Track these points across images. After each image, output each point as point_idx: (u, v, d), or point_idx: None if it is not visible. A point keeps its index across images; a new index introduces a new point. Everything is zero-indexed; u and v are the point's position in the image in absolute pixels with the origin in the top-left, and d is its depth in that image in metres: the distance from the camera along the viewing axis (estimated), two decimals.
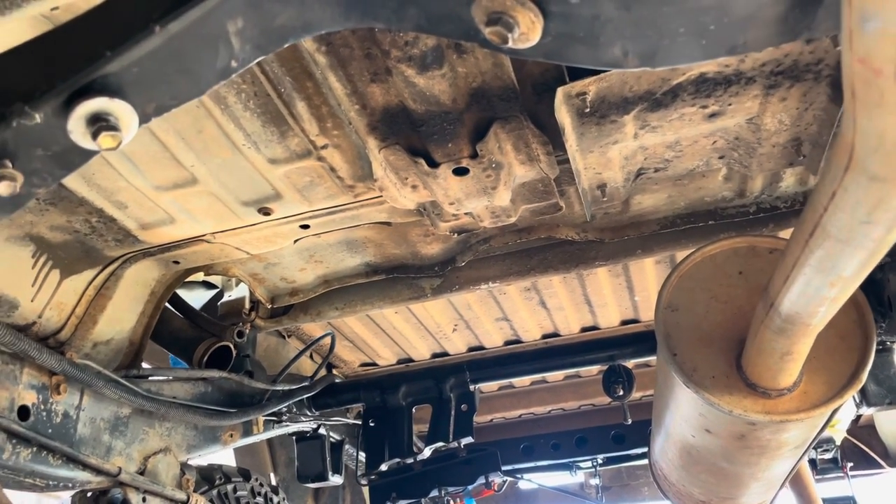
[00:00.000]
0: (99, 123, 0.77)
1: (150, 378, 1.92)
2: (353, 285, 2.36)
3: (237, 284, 2.52)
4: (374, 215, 1.89)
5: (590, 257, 2.21)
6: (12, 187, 0.79)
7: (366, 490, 3.26)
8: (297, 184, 1.67)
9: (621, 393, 2.38)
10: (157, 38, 0.78)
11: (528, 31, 0.70)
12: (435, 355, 3.17)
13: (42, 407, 1.52)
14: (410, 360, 3.21)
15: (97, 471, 1.61)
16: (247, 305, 2.43)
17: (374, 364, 3.24)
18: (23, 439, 1.46)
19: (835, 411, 1.46)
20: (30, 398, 1.50)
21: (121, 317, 1.96)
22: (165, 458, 1.84)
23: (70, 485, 1.60)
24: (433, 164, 1.52)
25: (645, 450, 3.12)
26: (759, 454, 1.54)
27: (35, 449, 1.48)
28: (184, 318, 2.25)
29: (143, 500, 1.74)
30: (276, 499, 2.79)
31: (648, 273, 2.62)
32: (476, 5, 0.70)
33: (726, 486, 1.77)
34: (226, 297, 2.54)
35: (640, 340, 2.58)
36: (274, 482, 3.49)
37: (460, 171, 1.54)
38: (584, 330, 3.03)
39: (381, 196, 1.72)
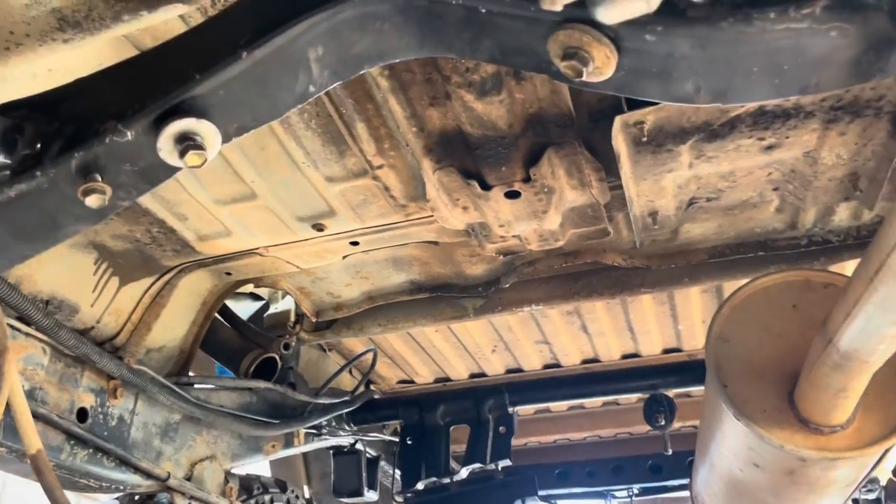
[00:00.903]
0: (186, 142, 0.81)
1: (197, 386, 1.96)
2: (397, 302, 2.39)
3: (283, 297, 2.57)
4: (422, 234, 1.92)
5: (635, 284, 2.20)
6: (101, 200, 0.83)
7: None
8: (351, 201, 1.71)
9: (663, 422, 2.35)
10: (243, 63, 0.82)
11: (603, 66, 0.72)
12: (473, 375, 3.17)
13: (99, 410, 1.58)
14: (448, 380, 3.22)
15: (148, 475, 1.66)
16: (292, 318, 2.47)
17: (411, 381, 3.26)
18: (80, 440, 1.51)
19: (887, 450, 1.43)
20: (88, 401, 1.55)
21: (173, 325, 2.01)
22: (211, 466, 1.88)
23: (121, 487, 1.65)
24: (486, 187, 1.54)
25: (683, 481, 3.07)
26: (808, 491, 1.51)
27: (91, 450, 1.53)
28: (232, 329, 2.30)
29: None
30: None
31: (694, 302, 2.59)
32: (552, 40, 0.72)
33: None
34: (272, 310, 2.60)
35: (683, 370, 2.55)
36: (308, 495, 3.52)
37: (512, 195, 1.56)
38: (625, 357, 3.00)
39: (432, 216, 1.75)
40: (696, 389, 2.53)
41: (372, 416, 2.69)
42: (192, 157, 0.81)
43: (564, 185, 1.56)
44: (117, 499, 1.74)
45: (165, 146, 0.82)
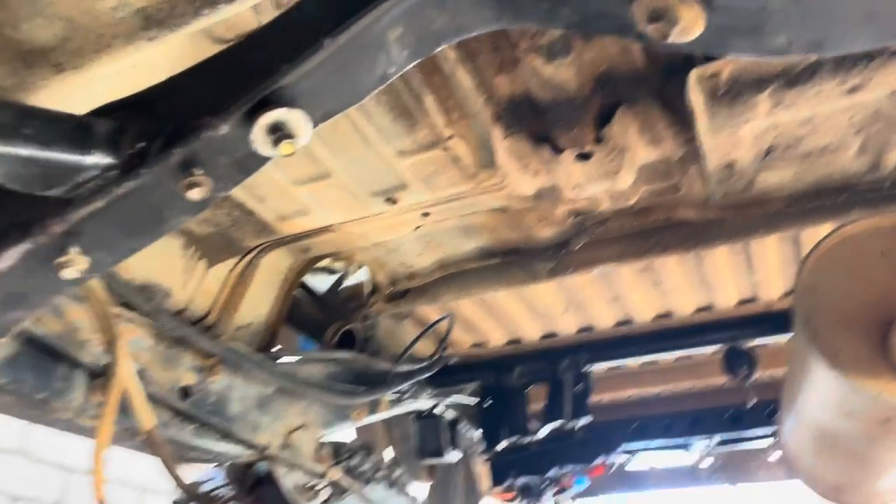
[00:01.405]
0: (279, 133, 0.84)
1: (285, 359, 2.04)
2: (468, 269, 2.42)
3: (357, 269, 2.63)
4: (492, 202, 1.93)
5: (710, 237, 2.16)
6: (203, 192, 0.88)
7: (479, 467, 3.34)
8: (422, 174, 1.74)
9: (744, 375, 2.32)
10: (326, 51, 0.84)
11: (691, 26, 0.71)
12: (545, 336, 3.18)
13: (200, 387, 1.67)
14: (520, 341, 3.24)
15: (248, 445, 1.75)
16: (367, 290, 2.53)
17: (484, 344, 3.30)
18: (186, 416, 1.60)
19: None
20: (190, 379, 1.65)
21: (258, 302, 2.09)
22: (304, 434, 1.97)
23: (224, 458, 1.74)
24: (557, 151, 1.54)
25: (763, 430, 3.04)
26: None
27: (196, 425, 1.62)
28: (312, 303, 2.37)
29: (288, 472, 1.87)
30: (396, 472, 2.91)
31: (770, 251, 2.53)
32: (637, 3, 0.72)
33: (863, 472, 1.71)
34: (347, 282, 2.66)
35: (760, 322, 2.51)
36: (391, 457, 3.63)
37: (584, 157, 1.56)
38: (699, 310, 2.96)
39: (502, 183, 1.75)
40: (775, 340, 2.48)
41: (450, 380, 2.75)
42: (285, 147, 0.85)
43: (637, 143, 1.54)
44: (224, 468, 1.85)
45: (259, 137, 0.85)
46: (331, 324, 2.39)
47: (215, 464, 1.97)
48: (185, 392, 1.62)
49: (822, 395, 1.50)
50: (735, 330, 2.49)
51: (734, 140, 1.53)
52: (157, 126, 0.87)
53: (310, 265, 2.24)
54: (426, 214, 1.98)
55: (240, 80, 0.86)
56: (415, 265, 2.41)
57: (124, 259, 1.03)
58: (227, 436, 1.70)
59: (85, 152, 0.82)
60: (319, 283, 2.76)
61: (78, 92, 1.17)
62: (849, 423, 1.48)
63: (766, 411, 2.96)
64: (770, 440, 3.12)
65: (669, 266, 2.63)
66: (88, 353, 1.39)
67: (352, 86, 0.89)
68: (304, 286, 2.43)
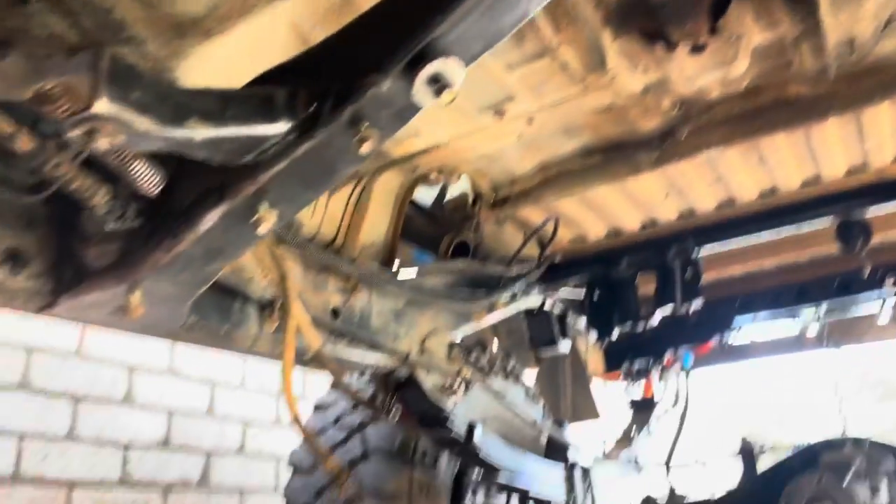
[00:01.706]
0: (438, 83, 0.91)
1: (407, 274, 2.18)
2: (570, 169, 2.45)
3: (458, 179, 2.71)
4: (598, 101, 1.94)
5: (821, 110, 2.11)
6: (372, 145, 0.96)
7: (587, 352, 3.49)
8: (530, 83, 1.76)
9: (859, 247, 2.31)
10: None
11: None
12: (645, 225, 3.21)
13: (346, 306, 1.83)
14: (620, 233, 3.29)
15: (391, 353, 1.92)
16: (471, 199, 2.62)
17: (584, 238, 3.36)
18: (338, 333, 1.77)
19: None
20: (337, 300, 1.80)
21: (377, 222, 2.21)
22: (437, 339, 2.13)
23: (372, 367, 1.93)
24: (670, 47, 1.54)
25: (872, 295, 3.03)
26: None
27: (348, 340, 1.79)
28: (423, 217, 2.49)
29: (427, 374, 2.04)
30: (510, 364, 3.10)
31: (883, 117, 2.44)
32: None
33: None
34: (449, 194, 2.76)
35: (873, 191, 2.45)
36: (501, 350, 3.84)
37: (698, 49, 1.54)
38: (806, 184, 2.90)
39: (610, 83, 1.76)
40: (888, 209, 2.43)
41: (557, 276, 2.84)
42: (447, 96, 0.91)
43: (753, 28, 1.52)
44: (370, 375, 2.04)
45: (420, 90, 0.92)
46: (440, 236, 2.50)
47: (364, 373, 2.17)
48: (335, 312, 1.79)
49: None
50: (845, 202, 2.45)
51: (857, 16, 1.48)
52: (325, 87, 0.95)
53: (418, 182, 2.33)
54: (531, 121, 2.01)
55: (395, 35, 0.92)
56: (516, 171, 2.46)
57: (301, 210, 1.14)
58: (373, 346, 1.87)
59: (272, 122, 0.91)
60: (424, 197, 2.87)
61: (221, 53, 1.26)
62: None
63: (878, 275, 2.95)
64: (879, 304, 3.11)
65: (776, 143, 2.57)
66: (255, 288, 1.55)
67: (498, 27, 0.94)
68: (412, 202, 2.53)
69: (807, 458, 2.28)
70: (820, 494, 1.97)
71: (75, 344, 3.31)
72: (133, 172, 0.94)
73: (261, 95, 0.91)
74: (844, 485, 2.02)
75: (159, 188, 1.01)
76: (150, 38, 1.13)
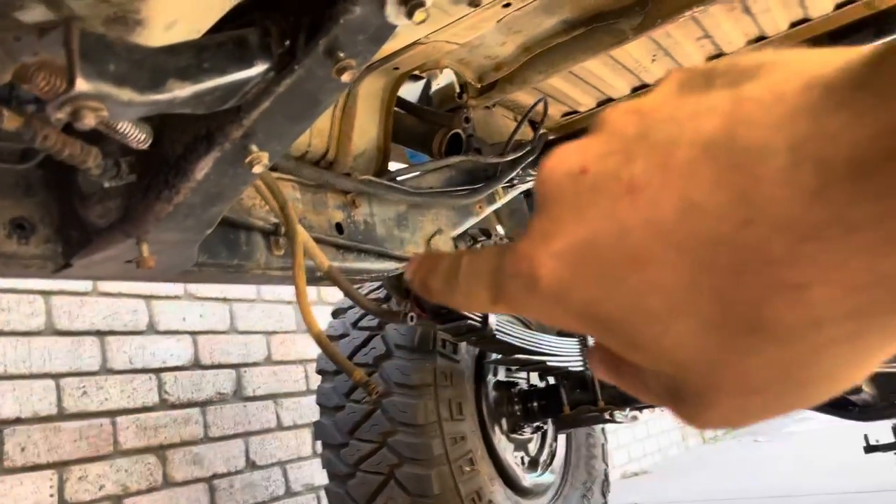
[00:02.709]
0: (410, 2, 0.89)
1: (406, 176, 2.19)
2: (553, 46, 2.40)
3: (442, 72, 2.66)
4: None
5: None
6: (352, 73, 0.96)
7: None
8: None
9: None
10: None
11: None
12: (634, 89, 3.18)
13: (349, 220, 1.85)
14: (610, 100, 3.26)
15: (400, 259, 1.97)
16: (457, 89, 2.58)
17: (575, 112, 3.33)
18: (346, 248, 1.81)
19: None
20: (339, 216, 1.83)
21: (366, 129, 2.20)
22: (442, 237, 2.17)
23: (383, 274, 1.98)
24: None
25: None
26: None
27: (356, 253, 1.84)
28: (412, 116, 2.46)
29: None
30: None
31: None
32: None
33: None
34: (434, 87, 2.71)
35: (862, 26, 2.40)
36: (503, 232, 3.90)
37: None
38: (793, 25, 2.84)
39: None
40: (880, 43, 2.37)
41: None
42: (419, 15, 0.89)
43: None
44: (381, 280, 2.10)
45: (392, 11, 0.90)
46: (431, 133, 2.48)
47: (377, 280, 2.22)
48: (339, 228, 1.82)
49: None
50: (835, 43, 2.40)
51: None
52: (296, 21, 0.93)
53: (401, 81, 2.29)
54: (507, 5, 1.95)
55: None
56: (499, 55, 2.41)
57: (292, 143, 1.15)
58: (381, 255, 1.91)
59: (249, 66, 0.90)
60: (408, 92, 2.82)
61: None
62: None
63: None
64: None
65: None
66: (255, 216, 1.57)
67: None
68: (399, 102, 2.50)
69: None
70: None
71: (90, 283, 3.38)
72: (120, 132, 0.94)
73: (234, 40, 0.89)
74: None
75: (149, 142, 1.01)
76: None
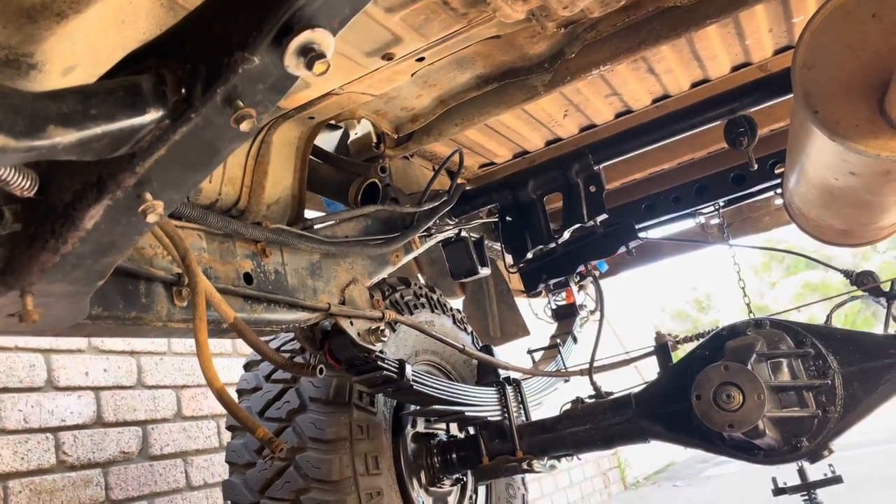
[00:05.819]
0: (310, 54, 0.89)
1: (320, 226, 2.17)
2: (468, 99, 2.45)
3: (360, 122, 2.67)
4: (484, 32, 1.93)
5: (700, 17, 2.18)
6: (251, 122, 0.94)
7: (512, 277, 3.59)
8: (413, 24, 1.74)
9: (745, 143, 2.43)
10: None
11: None
12: (549, 143, 3.28)
13: (259, 270, 1.81)
14: (526, 153, 3.35)
15: (313, 309, 1.93)
16: (374, 141, 2.59)
17: (492, 164, 3.41)
18: (254, 299, 1.76)
19: None
20: (248, 266, 1.78)
21: (280, 177, 2.17)
22: (356, 287, 2.14)
23: (295, 325, 1.93)
24: None
25: (765, 185, 3.21)
26: None
27: (265, 304, 1.79)
28: (329, 165, 2.45)
29: (351, 323, 2.07)
30: (434, 296, 3.16)
31: (759, 15, 2.54)
32: None
33: (868, 215, 1.88)
34: (352, 136, 2.72)
35: (757, 88, 2.55)
36: (424, 282, 3.90)
37: None
38: (694, 85, 3.02)
39: (493, 15, 1.75)
40: (774, 103, 2.54)
41: (468, 206, 2.88)
42: (318, 66, 0.89)
43: None
44: (293, 332, 2.05)
45: (292, 62, 0.90)
46: (348, 182, 2.48)
47: (289, 331, 2.17)
48: (248, 278, 1.77)
49: (825, 160, 1.62)
50: (735, 101, 2.52)
51: None
52: (192, 69, 0.92)
53: (317, 130, 2.28)
54: (421, 59, 1.99)
55: (259, 11, 0.89)
56: (415, 107, 2.45)
57: (189, 192, 1.11)
58: (293, 306, 1.87)
59: (142, 113, 0.87)
60: (326, 144, 2.82)
61: (80, 34, 1.18)
62: (853, 179, 1.61)
63: (768, 165, 3.12)
64: (774, 192, 3.29)
65: (662, 52, 2.65)
66: (157, 266, 1.51)
67: None
68: (314, 151, 2.48)
69: (713, 346, 2.44)
70: (726, 380, 2.14)
71: None
72: (1, 179, 0.89)
73: (125, 86, 0.87)
74: (749, 366, 2.19)
75: (34, 190, 0.96)
76: None
